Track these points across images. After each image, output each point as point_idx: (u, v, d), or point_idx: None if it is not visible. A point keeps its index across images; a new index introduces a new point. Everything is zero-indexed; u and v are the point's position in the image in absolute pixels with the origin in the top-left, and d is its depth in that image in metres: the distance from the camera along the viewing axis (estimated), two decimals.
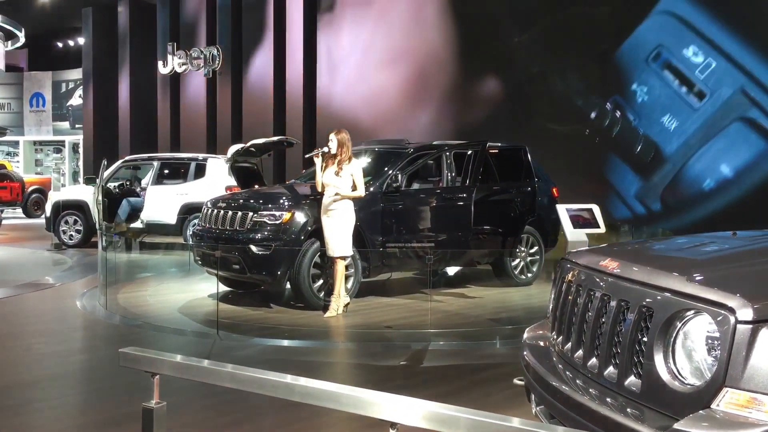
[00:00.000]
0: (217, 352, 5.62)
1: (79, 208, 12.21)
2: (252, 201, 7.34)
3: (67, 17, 23.57)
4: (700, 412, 1.94)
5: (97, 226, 11.10)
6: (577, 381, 2.48)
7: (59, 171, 26.33)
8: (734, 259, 2.71)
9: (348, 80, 16.05)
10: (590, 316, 2.53)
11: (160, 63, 18.83)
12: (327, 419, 4.06)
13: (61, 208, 12.26)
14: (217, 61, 17.65)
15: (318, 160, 6.78)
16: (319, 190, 6.78)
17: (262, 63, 16.86)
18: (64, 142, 26.44)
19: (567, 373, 2.58)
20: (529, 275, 8.72)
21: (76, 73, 25.30)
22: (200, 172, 11.68)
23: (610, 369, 2.35)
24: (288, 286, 7.16)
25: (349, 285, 7.04)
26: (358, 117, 15.37)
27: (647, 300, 2.24)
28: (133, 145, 19.37)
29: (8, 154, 26.64)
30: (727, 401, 1.92)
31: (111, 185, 12.22)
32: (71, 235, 12.30)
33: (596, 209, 7.42)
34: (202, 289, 8.20)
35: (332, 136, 6.75)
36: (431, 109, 15.16)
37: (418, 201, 7.94)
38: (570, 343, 2.66)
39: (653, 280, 2.29)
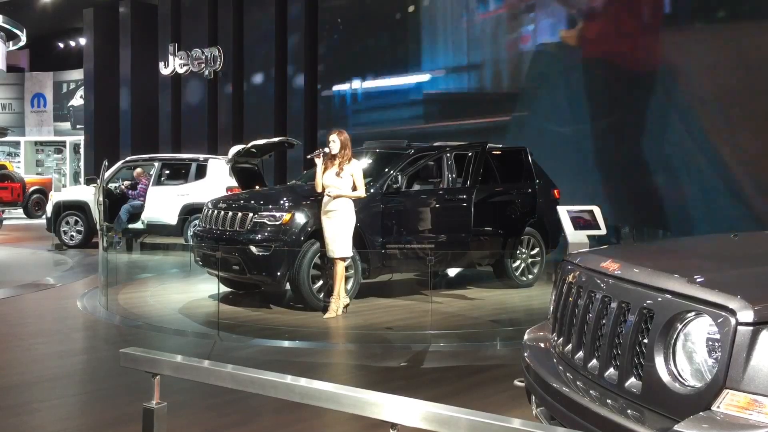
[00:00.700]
0: (218, 352, 5.62)
1: (79, 208, 12.22)
2: (252, 202, 7.35)
3: (68, 18, 23.59)
4: (701, 413, 1.94)
5: (98, 226, 11.11)
6: (578, 382, 2.48)
7: (60, 171, 26.35)
8: (735, 261, 2.71)
9: (349, 81, 16.04)
10: (591, 317, 2.53)
11: (161, 64, 18.83)
12: (327, 420, 4.06)
13: (62, 208, 12.27)
14: (218, 62, 17.65)
15: (319, 161, 6.78)
16: (319, 190, 6.78)
17: (263, 64, 16.86)
18: (65, 142, 26.47)
19: (567, 374, 2.58)
20: (530, 277, 8.72)
21: (77, 74, 25.32)
22: (201, 172, 11.70)
23: (611, 370, 2.35)
24: (288, 286, 7.16)
25: (349, 286, 7.04)
26: (359, 117, 15.37)
27: (648, 301, 2.24)
28: (134, 146, 19.37)
29: (9, 154, 26.67)
30: (728, 403, 1.91)
31: (112, 185, 12.23)
32: (72, 236, 12.30)
33: (597, 211, 7.41)
34: (203, 289, 8.21)
35: (334, 137, 6.75)
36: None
37: (418, 202, 7.94)
38: (570, 345, 2.66)
39: (654, 281, 2.29)
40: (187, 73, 18.34)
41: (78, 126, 25.22)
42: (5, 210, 17.61)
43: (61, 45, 26.96)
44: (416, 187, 8.15)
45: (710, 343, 2.03)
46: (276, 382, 2.25)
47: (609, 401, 2.26)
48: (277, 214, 6.96)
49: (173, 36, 18.75)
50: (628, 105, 10.97)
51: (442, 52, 13.98)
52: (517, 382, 2.99)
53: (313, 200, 7.02)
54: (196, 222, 9.13)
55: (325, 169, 6.75)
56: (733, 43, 9.80)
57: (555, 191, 9.14)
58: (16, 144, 26.63)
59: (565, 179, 9.84)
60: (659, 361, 2.12)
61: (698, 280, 2.19)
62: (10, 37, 21.17)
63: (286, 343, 5.98)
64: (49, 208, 12.58)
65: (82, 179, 22.92)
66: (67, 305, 7.55)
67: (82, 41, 23.07)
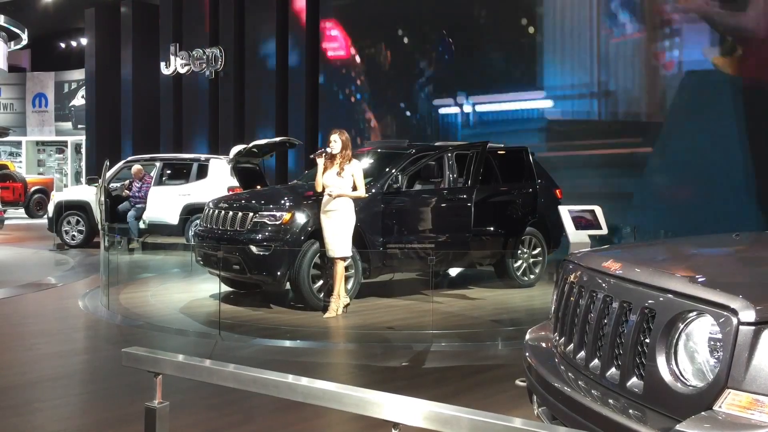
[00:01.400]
0: (219, 352, 5.63)
1: (81, 208, 12.23)
2: (253, 201, 7.35)
3: (69, 18, 23.59)
4: (702, 413, 1.93)
5: (99, 226, 11.12)
6: (579, 382, 2.48)
7: (62, 171, 26.37)
8: (737, 261, 2.71)
9: (351, 81, 16.04)
10: (592, 317, 2.53)
11: (162, 64, 18.83)
12: (329, 419, 4.07)
13: (63, 208, 12.28)
14: (219, 62, 17.65)
15: (320, 161, 6.78)
16: (319, 190, 6.78)
17: (264, 64, 16.86)
18: (66, 142, 26.47)
19: (569, 374, 2.58)
20: (532, 277, 8.71)
21: (78, 74, 25.33)
22: (202, 172, 11.71)
23: (612, 370, 2.35)
24: (288, 286, 7.16)
25: (349, 286, 7.04)
26: (359, 118, 15.37)
27: (650, 301, 2.24)
28: (135, 146, 19.37)
29: (11, 154, 26.69)
30: (729, 403, 1.91)
31: (113, 185, 12.24)
32: (73, 236, 12.31)
33: (599, 210, 7.40)
34: (204, 289, 8.22)
35: (335, 137, 6.75)
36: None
37: (418, 202, 7.94)
38: (572, 345, 2.66)
39: (656, 281, 2.29)
40: (188, 73, 18.33)
41: (79, 126, 25.23)
42: (7, 210, 17.62)
43: (63, 45, 26.97)
44: (417, 186, 8.15)
45: (712, 342, 2.03)
46: (278, 382, 2.25)
47: (611, 401, 2.26)
48: (278, 214, 6.97)
49: (174, 36, 18.75)
50: None
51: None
52: (518, 382, 2.99)
53: (313, 200, 7.02)
54: (198, 222, 9.14)
55: (326, 168, 6.76)
56: None
57: (557, 191, 9.13)
58: (18, 144, 26.65)
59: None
60: (661, 360, 2.11)
61: (700, 279, 2.19)
62: (12, 37, 21.20)
63: (287, 343, 5.98)
64: (50, 208, 12.58)
65: (83, 179, 22.93)
66: (68, 305, 7.56)
67: (84, 41, 23.07)
